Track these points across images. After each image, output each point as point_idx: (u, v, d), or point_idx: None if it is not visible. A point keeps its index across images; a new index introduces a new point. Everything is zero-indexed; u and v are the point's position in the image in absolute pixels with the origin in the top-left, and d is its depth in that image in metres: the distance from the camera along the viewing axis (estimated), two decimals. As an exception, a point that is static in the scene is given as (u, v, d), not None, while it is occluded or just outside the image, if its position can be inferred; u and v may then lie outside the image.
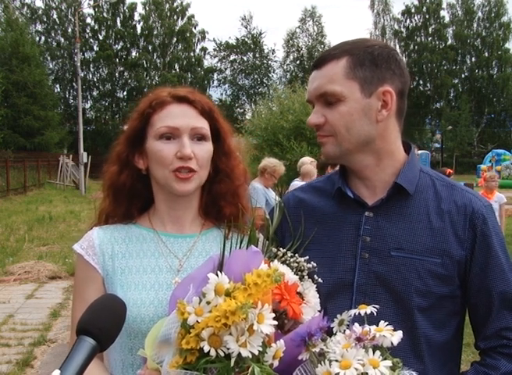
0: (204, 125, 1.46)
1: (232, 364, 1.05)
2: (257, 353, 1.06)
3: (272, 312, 1.12)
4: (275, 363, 1.11)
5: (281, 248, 1.39)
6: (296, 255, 1.38)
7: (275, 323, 1.10)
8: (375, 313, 1.21)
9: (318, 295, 1.34)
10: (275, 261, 1.30)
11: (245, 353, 1.05)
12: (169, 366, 1.10)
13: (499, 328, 1.41)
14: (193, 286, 1.17)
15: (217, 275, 1.12)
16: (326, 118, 1.41)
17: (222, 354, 1.06)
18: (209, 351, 1.06)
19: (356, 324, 1.18)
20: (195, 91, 1.53)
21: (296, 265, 1.36)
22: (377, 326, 1.16)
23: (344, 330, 1.22)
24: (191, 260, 1.48)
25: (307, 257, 1.39)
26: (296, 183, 7.61)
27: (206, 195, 1.54)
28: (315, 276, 1.38)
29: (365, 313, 1.22)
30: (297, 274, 1.34)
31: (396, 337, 1.14)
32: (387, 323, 1.17)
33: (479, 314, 1.44)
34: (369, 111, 1.39)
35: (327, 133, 1.43)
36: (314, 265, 1.38)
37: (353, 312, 1.24)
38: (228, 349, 1.06)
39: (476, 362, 1.45)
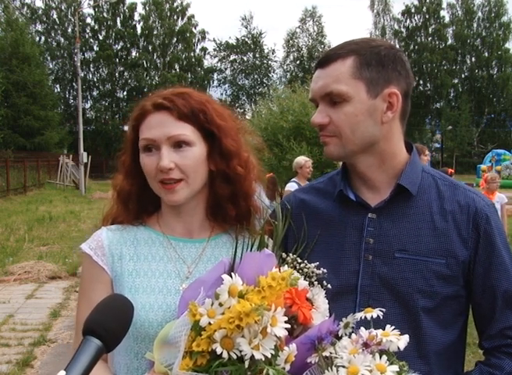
0: (183, 131, 1.39)
1: (246, 366, 1.04)
2: (269, 356, 1.05)
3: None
4: (287, 367, 1.10)
5: (290, 254, 1.38)
6: (306, 261, 1.37)
7: (288, 326, 1.09)
8: (380, 315, 1.21)
9: (327, 301, 1.33)
10: (285, 266, 1.28)
11: (258, 356, 1.04)
12: (179, 368, 1.09)
13: (503, 327, 1.40)
14: (203, 289, 1.15)
15: (230, 276, 1.11)
16: (331, 118, 1.39)
17: (235, 356, 1.05)
18: (221, 353, 1.04)
19: (362, 328, 1.16)
20: (184, 91, 1.46)
21: (306, 271, 1.35)
22: (383, 329, 1.15)
23: (350, 333, 1.21)
24: (200, 266, 1.45)
25: (317, 263, 1.37)
26: (293, 183, 7.41)
27: (211, 198, 1.50)
28: (324, 282, 1.36)
29: (371, 316, 1.20)
30: (306, 280, 1.32)
31: (403, 341, 1.13)
32: (393, 326, 1.16)
33: (483, 313, 1.44)
34: (374, 112, 1.38)
35: (331, 133, 1.41)
36: (325, 271, 1.36)
37: (359, 315, 1.23)
38: (240, 352, 1.04)
39: (480, 362, 1.44)
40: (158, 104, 1.41)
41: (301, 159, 7.86)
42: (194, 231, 1.50)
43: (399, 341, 1.12)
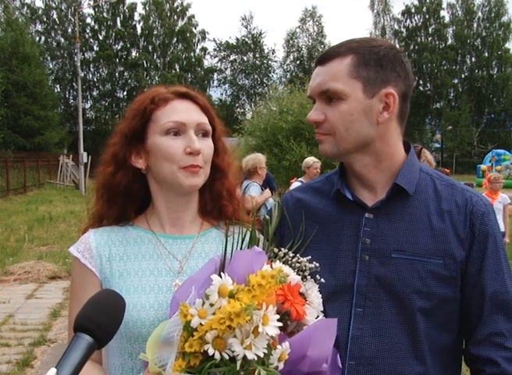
0: (207, 121, 1.46)
1: (238, 367, 1.03)
2: (262, 355, 1.05)
3: (276, 313, 1.10)
4: (281, 366, 1.10)
5: (282, 248, 1.37)
6: (298, 254, 1.35)
7: (280, 324, 1.09)
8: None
9: (320, 295, 1.32)
10: (277, 261, 1.27)
11: (250, 356, 1.03)
12: (172, 369, 1.08)
13: (491, 333, 1.36)
14: (194, 288, 1.15)
15: (220, 276, 1.10)
16: (326, 116, 1.39)
17: (227, 357, 1.05)
18: (213, 354, 1.04)
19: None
20: (193, 88, 1.52)
21: (298, 265, 1.33)
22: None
23: None
24: (191, 262, 1.45)
25: (310, 257, 1.36)
26: (298, 183, 7.49)
27: (207, 194, 1.51)
28: (317, 276, 1.34)
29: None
30: (299, 274, 1.31)
31: None
32: None
33: (471, 316, 1.40)
34: (370, 112, 1.37)
35: (326, 131, 1.41)
36: (317, 265, 1.35)
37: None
38: (233, 352, 1.04)
39: None
40: (184, 93, 1.46)
41: (310, 160, 8.01)
42: (185, 227, 1.50)
43: None
